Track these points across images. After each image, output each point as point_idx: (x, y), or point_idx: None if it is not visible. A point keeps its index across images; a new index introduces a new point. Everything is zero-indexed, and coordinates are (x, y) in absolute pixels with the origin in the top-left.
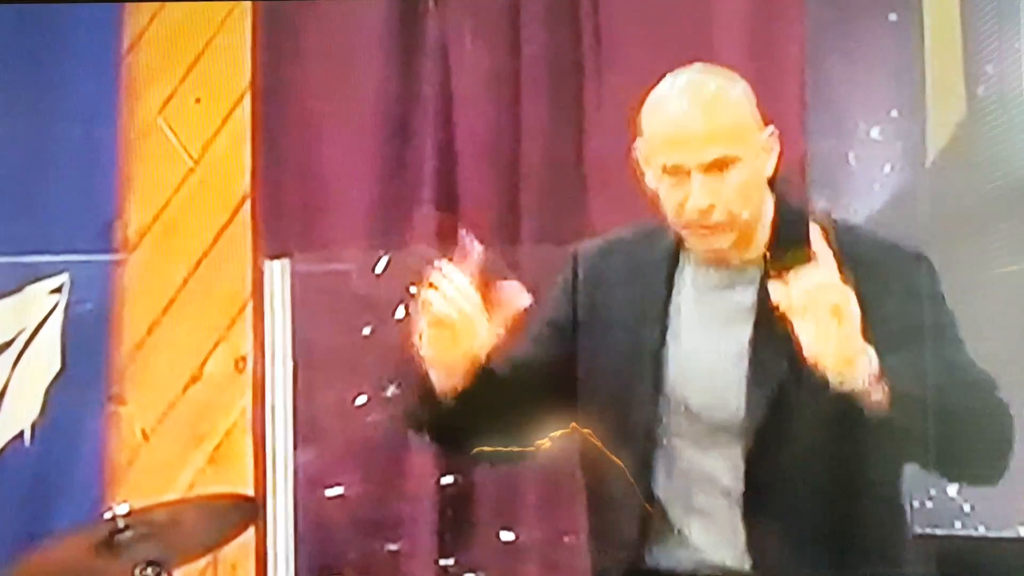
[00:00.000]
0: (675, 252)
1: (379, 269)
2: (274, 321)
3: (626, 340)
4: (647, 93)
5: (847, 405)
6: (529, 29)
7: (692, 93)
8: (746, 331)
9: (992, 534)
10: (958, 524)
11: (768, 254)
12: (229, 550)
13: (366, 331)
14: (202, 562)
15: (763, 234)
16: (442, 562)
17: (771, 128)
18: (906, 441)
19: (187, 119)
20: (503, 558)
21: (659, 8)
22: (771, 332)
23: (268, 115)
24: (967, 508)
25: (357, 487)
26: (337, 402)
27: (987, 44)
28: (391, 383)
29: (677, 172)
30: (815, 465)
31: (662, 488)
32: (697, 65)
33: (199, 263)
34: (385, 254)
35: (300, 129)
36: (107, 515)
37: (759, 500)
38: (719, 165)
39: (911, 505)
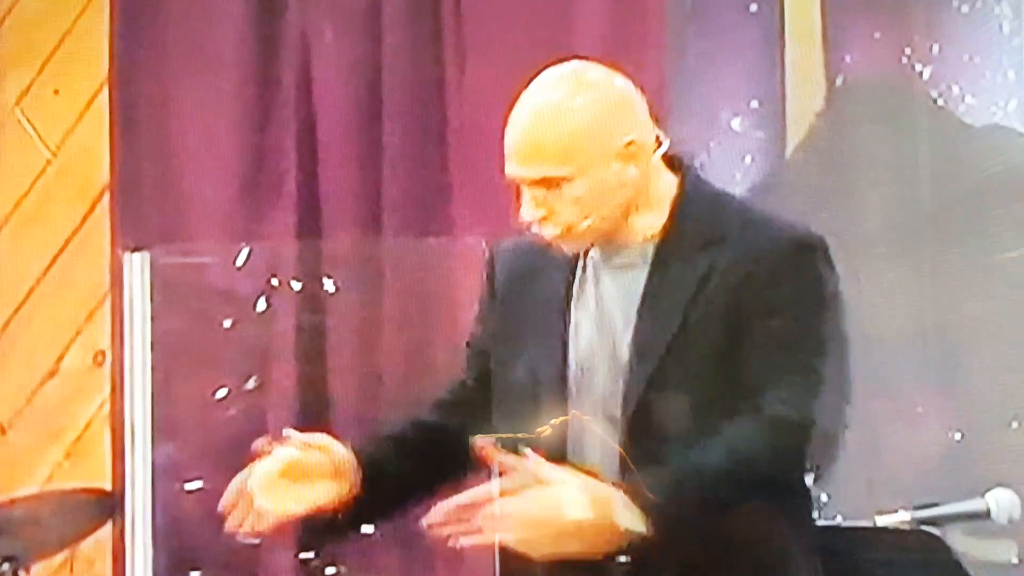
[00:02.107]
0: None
1: (240, 261)
2: (133, 314)
3: (535, 332)
4: (511, 82)
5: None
6: (390, 19)
7: (532, 107)
8: (631, 309)
9: (849, 524)
10: (815, 514)
11: (664, 235)
12: (87, 545)
13: (226, 324)
14: (59, 557)
15: (654, 218)
16: (302, 555)
17: (631, 136)
18: None
19: (45, 110)
20: (363, 551)
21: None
22: (654, 306)
23: (127, 106)
24: (824, 498)
25: (217, 480)
26: (197, 395)
27: (846, 34)
28: (251, 376)
29: (514, 182)
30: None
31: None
32: (569, 65)
33: (57, 256)
34: (246, 246)
35: (159, 120)
36: None
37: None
38: (547, 183)
39: None
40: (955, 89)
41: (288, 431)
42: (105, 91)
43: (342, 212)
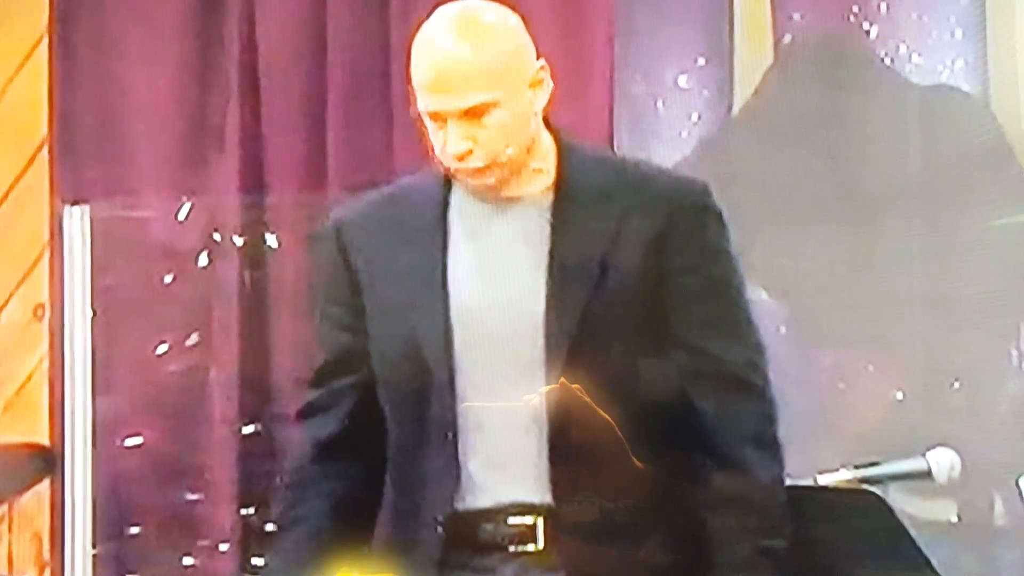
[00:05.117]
0: (444, 194)
1: (181, 216)
2: (73, 268)
3: (409, 296)
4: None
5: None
6: None
7: (456, 34)
8: (539, 257)
9: (791, 482)
10: None
11: (561, 183)
12: (25, 500)
13: (167, 279)
14: None
15: (543, 166)
16: (243, 511)
17: (541, 61)
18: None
19: None
20: None
21: None
22: (570, 254)
23: (67, 58)
24: None
25: (157, 436)
26: (137, 351)
27: None
28: (193, 332)
29: (436, 118)
30: (624, 390)
31: (468, 440)
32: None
33: None
34: (188, 200)
35: (100, 73)
36: None
37: (565, 433)
38: (476, 112)
39: None
40: (902, 48)
41: None
42: (45, 42)
43: (285, 167)
